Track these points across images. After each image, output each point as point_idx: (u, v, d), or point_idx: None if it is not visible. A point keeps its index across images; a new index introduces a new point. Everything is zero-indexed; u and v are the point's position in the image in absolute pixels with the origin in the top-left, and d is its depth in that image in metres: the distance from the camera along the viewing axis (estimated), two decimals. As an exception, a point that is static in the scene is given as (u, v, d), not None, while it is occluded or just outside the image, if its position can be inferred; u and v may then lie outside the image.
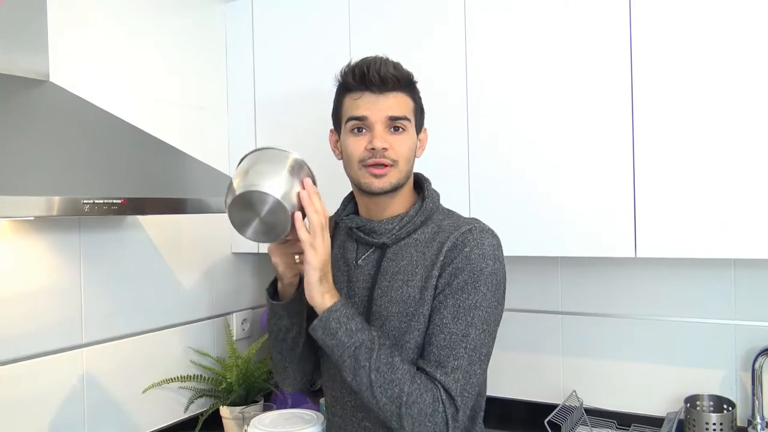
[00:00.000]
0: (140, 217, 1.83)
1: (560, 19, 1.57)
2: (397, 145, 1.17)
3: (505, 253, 1.64)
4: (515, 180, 1.64)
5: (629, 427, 1.81)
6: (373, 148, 1.15)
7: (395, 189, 1.20)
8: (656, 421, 1.78)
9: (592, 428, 1.79)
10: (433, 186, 1.28)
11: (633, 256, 1.51)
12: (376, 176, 1.17)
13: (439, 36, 1.73)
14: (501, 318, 1.18)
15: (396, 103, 1.18)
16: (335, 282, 1.20)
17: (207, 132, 2.05)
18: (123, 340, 1.77)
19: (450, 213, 1.26)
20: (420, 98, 1.25)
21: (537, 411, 1.86)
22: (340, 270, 1.28)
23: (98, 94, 1.66)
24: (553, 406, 1.79)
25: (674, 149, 1.46)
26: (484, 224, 1.19)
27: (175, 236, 1.94)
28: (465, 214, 1.67)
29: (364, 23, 1.84)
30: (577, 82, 1.56)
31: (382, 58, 1.18)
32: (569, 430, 1.72)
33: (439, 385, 1.09)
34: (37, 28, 1.45)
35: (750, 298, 1.72)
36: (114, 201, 1.21)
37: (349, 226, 1.26)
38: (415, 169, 1.26)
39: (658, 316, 1.83)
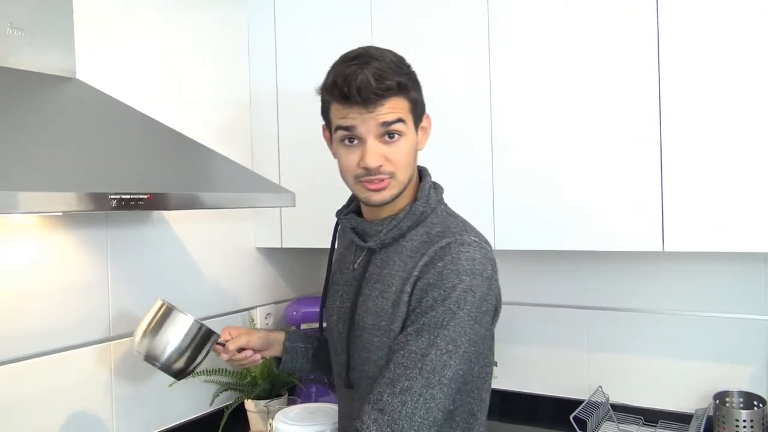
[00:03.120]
0: (165, 213, 1.84)
1: (586, 9, 1.55)
2: (393, 155, 1.08)
3: (529, 247, 1.65)
4: (539, 172, 1.62)
5: (656, 423, 1.79)
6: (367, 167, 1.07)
7: (394, 198, 1.12)
8: (684, 418, 1.76)
9: (619, 424, 1.77)
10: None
11: (661, 250, 1.49)
12: (373, 191, 1.10)
13: (462, 27, 1.71)
14: (485, 337, 1.10)
15: (387, 109, 1.06)
16: (337, 284, 1.25)
17: (230, 127, 2.06)
18: (149, 334, 1.79)
19: (446, 218, 1.15)
20: (416, 88, 1.12)
21: (562, 406, 1.85)
22: (342, 272, 1.25)
23: (123, 90, 1.68)
24: (578, 402, 1.77)
25: (703, 141, 1.43)
26: (467, 237, 1.08)
27: (200, 231, 1.95)
28: (487, 207, 1.68)
29: (385, 15, 1.83)
30: (604, 73, 1.54)
31: (361, 68, 1.04)
32: (595, 426, 1.70)
33: (373, 407, 1.01)
34: (63, 26, 1.46)
35: (782, 292, 1.69)
36: (140, 196, 1.22)
37: (345, 226, 1.22)
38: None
39: (686, 311, 1.80)
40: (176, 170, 1.44)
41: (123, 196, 1.19)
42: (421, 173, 1.19)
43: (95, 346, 1.65)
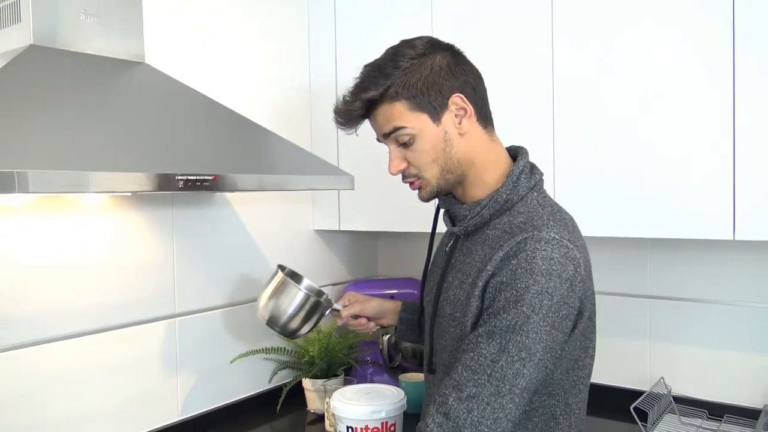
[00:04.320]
0: (228, 194, 1.89)
1: (656, -12, 1.49)
2: (411, 158, 1.09)
3: (592, 233, 1.61)
4: (603, 156, 1.58)
5: (722, 418, 1.73)
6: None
7: (440, 193, 1.12)
8: (752, 413, 1.69)
9: (681, 417, 1.72)
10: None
11: (731, 238, 1.43)
12: (415, 191, 1.14)
13: (526, 9, 1.68)
14: (562, 344, 1.02)
15: (381, 120, 1.09)
16: (436, 266, 1.24)
17: (290, 111, 2.09)
18: (212, 311, 1.85)
19: (534, 208, 1.07)
20: (410, 85, 1.05)
21: (622, 396, 1.81)
22: (439, 255, 1.25)
23: (188, 74, 1.72)
24: (638, 393, 1.73)
25: (781, 125, 1.36)
26: (547, 233, 1.00)
27: (260, 212, 2.00)
28: (548, 190, 1.64)
29: (446, 2, 1.81)
30: (674, 55, 1.48)
31: (339, 100, 1.13)
32: (656, 418, 1.66)
33: (438, 410, 0.98)
34: (133, 13, 1.50)
35: None
36: (206, 177, 1.25)
37: (442, 208, 1.20)
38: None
39: (755, 303, 1.72)
40: (240, 153, 1.48)
41: (189, 177, 1.22)
42: (516, 154, 1.14)
43: (162, 321, 1.71)
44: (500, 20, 1.71)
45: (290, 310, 1.46)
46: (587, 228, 1.61)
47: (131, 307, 1.64)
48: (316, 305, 1.47)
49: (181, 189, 1.21)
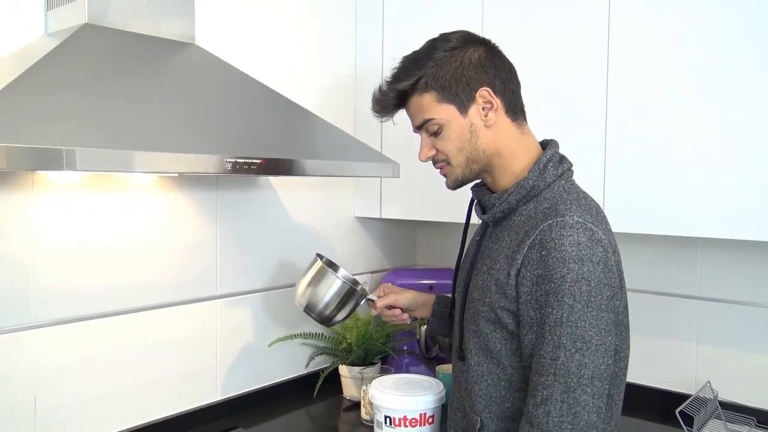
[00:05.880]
0: (271, 178, 1.89)
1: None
2: (439, 146, 1.15)
3: (641, 231, 1.56)
4: (655, 151, 1.53)
5: (771, 426, 1.67)
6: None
7: (465, 181, 1.17)
8: (804, 423, 1.63)
9: (727, 423, 1.67)
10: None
11: (789, 241, 1.37)
12: (443, 176, 1.19)
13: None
14: (612, 326, 1.01)
15: (413, 111, 1.15)
16: (467, 255, 1.26)
17: (335, 97, 2.07)
18: (252, 294, 1.86)
19: (560, 194, 1.08)
20: (444, 74, 1.10)
21: (666, 399, 1.77)
22: (471, 244, 1.26)
23: (237, 56, 1.72)
24: (683, 396, 1.69)
25: None
26: (570, 217, 1.01)
27: (302, 197, 1.99)
28: (598, 186, 1.61)
29: (499, -14, 1.77)
30: (728, 51, 1.42)
31: (376, 89, 1.17)
32: (702, 423, 1.61)
33: (525, 419, 1.01)
34: (184, -7, 1.51)
35: None
36: (254, 161, 1.25)
37: (474, 198, 1.23)
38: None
39: (813, 309, 1.66)
40: (287, 137, 1.47)
41: (238, 160, 1.22)
42: (546, 146, 1.16)
43: (203, 303, 1.73)
44: (552, 19, 1.67)
45: (327, 297, 1.49)
46: (636, 225, 1.58)
47: (174, 287, 1.66)
48: (352, 294, 1.49)
49: (229, 172, 1.21)
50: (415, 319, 1.52)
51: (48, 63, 1.15)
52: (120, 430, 1.56)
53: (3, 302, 1.35)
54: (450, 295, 1.44)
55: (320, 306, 1.50)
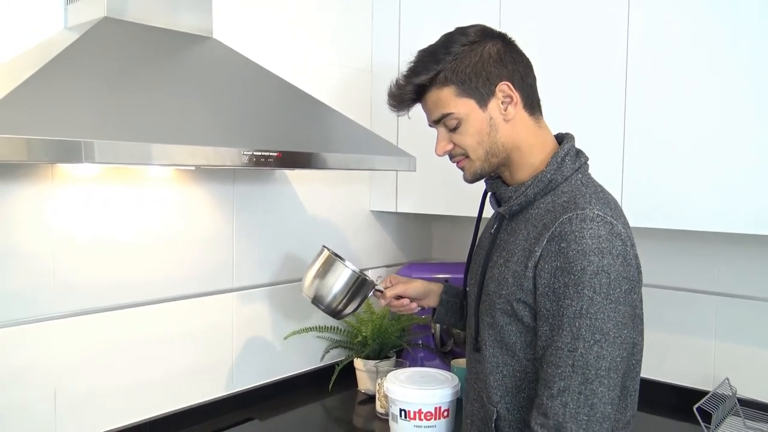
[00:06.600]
0: (287, 172, 1.89)
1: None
2: (457, 140, 1.14)
3: (658, 225, 1.55)
4: (675, 145, 1.51)
5: (790, 423, 1.65)
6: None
7: (483, 175, 1.16)
8: (824, 421, 1.61)
9: (746, 420, 1.65)
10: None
11: (813, 236, 1.35)
12: (461, 170, 1.18)
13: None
14: (631, 320, 1.02)
15: (431, 105, 1.14)
16: (481, 248, 1.26)
17: (351, 90, 2.07)
18: (268, 287, 1.86)
19: (578, 187, 1.08)
20: (463, 68, 1.09)
21: (684, 395, 1.75)
22: (485, 236, 1.26)
23: (254, 50, 1.72)
24: (701, 392, 1.67)
25: None
26: (590, 210, 1.02)
27: (317, 191, 2.00)
28: (616, 181, 1.59)
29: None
30: (751, 42, 1.40)
31: (393, 83, 1.16)
32: (720, 419, 1.60)
33: (537, 411, 1.01)
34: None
35: None
36: (271, 154, 1.25)
37: (489, 191, 1.23)
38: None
39: (835, 306, 1.63)
40: (304, 130, 1.47)
41: (255, 153, 1.22)
42: (563, 139, 1.15)
43: (220, 295, 1.74)
44: (569, 14, 1.65)
45: (336, 288, 1.47)
46: (655, 220, 1.56)
47: (190, 280, 1.67)
48: (361, 284, 1.47)
49: (245, 165, 1.21)
50: (423, 308, 1.51)
51: (67, 56, 1.16)
52: (137, 420, 1.57)
53: (23, 294, 1.37)
54: (459, 287, 1.44)
55: (329, 297, 1.47)
